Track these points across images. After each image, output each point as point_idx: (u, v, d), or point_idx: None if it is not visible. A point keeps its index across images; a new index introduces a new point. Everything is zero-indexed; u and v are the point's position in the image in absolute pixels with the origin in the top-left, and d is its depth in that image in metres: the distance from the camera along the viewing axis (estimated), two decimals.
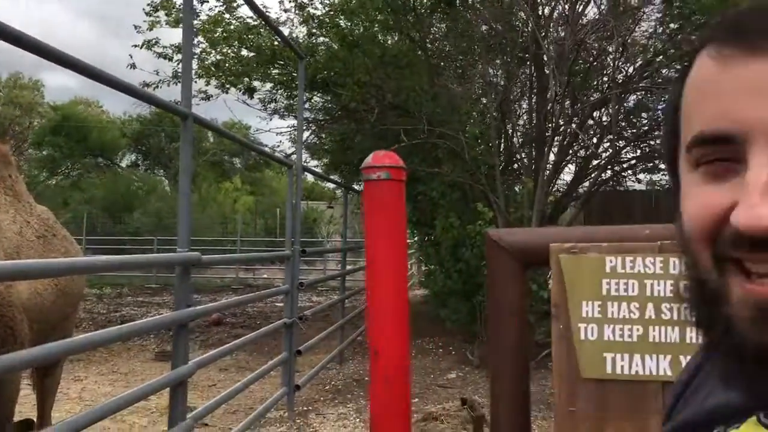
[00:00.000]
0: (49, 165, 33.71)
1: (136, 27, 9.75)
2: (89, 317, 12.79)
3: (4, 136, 29.72)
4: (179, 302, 3.72)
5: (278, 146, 12.87)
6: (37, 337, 3.11)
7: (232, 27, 9.35)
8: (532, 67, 7.87)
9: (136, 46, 9.73)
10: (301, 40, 9.42)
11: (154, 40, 9.65)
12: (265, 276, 23.11)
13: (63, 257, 3.55)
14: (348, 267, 10.36)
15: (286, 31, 9.25)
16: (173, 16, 9.20)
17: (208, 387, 7.50)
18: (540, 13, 7.24)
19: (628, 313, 1.72)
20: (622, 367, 1.68)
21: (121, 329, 3.11)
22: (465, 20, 7.85)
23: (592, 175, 8.18)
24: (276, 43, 9.08)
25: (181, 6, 9.38)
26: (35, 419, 4.20)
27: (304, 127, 9.66)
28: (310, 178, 22.98)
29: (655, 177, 10.02)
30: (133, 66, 9.21)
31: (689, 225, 0.61)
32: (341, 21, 8.94)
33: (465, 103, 7.85)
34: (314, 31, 9.44)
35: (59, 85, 70.03)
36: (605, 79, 7.57)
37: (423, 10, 8.35)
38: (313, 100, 11.30)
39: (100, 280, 18.95)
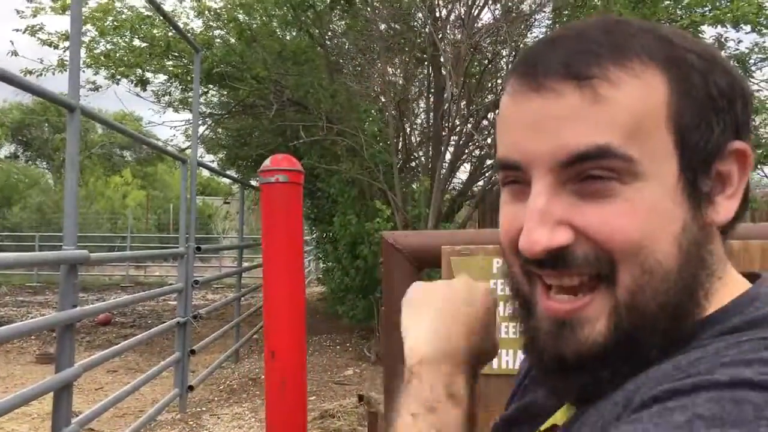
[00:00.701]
0: None
1: (18, 11, 9.20)
2: None
3: None
4: (64, 302, 3.56)
5: (172, 140, 12.51)
6: None
7: (123, 16, 8.99)
8: (430, 68, 8.01)
9: (17, 30, 9.18)
10: (197, 33, 9.18)
11: (38, 26, 9.12)
12: (157, 273, 22.39)
13: None
14: (245, 264, 10.21)
15: (181, 22, 8.99)
16: (59, 2, 8.73)
17: (94, 390, 7.20)
18: (437, 15, 7.38)
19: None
20: (507, 362, 1.75)
21: (6, 329, 2.95)
22: (364, 18, 7.89)
23: (486, 174, 8.42)
24: (171, 34, 8.81)
25: None
26: None
27: (200, 122, 9.43)
28: (205, 173, 22.44)
29: None
30: (14, 53, 8.67)
31: (502, 237, 0.67)
32: (239, 14, 8.77)
33: (364, 101, 7.90)
34: (211, 24, 9.23)
35: None
36: (499, 81, 7.80)
37: (322, 7, 8.33)
38: (209, 94, 11.05)
39: None
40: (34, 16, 9.02)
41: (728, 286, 0.63)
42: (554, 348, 0.63)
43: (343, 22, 8.97)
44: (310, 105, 8.38)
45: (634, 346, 0.60)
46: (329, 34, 8.97)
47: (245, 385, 7.23)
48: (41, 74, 9.28)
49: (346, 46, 9.04)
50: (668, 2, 7.78)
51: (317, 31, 8.59)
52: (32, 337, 9.95)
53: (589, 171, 0.59)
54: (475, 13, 7.28)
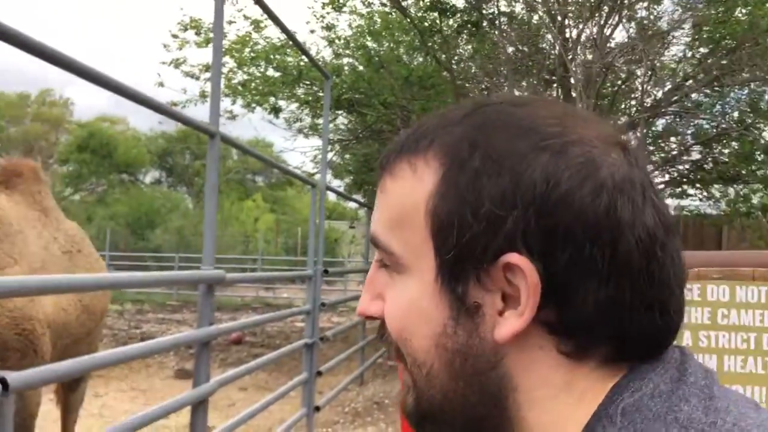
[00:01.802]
0: (75, 180, 34.15)
1: (165, 45, 9.88)
2: (110, 333, 12.82)
3: (30, 152, 30.15)
4: (202, 320, 3.69)
5: (302, 165, 12.92)
6: (62, 353, 3.09)
7: (259, 47, 9.43)
8: (559, 90, 7.83)
9: (164, 63, 9.86)
10: (327, 61, 9.47)
11: (182, 59, 9.77)
12: (285, 295, 23.08)
13: (87, 273, 3.54)
14: None
15: (312, 51, 9.31)
16: (203, 36, 9.30)
17: (227, 406, 7.45)
18: (567, 35, 7.21)
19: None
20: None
21: (147, 345, 3.09)
22: (491, 42, 7.84)
23: None
24: (302, 63, 9.14)
25: (210, 26, 9.50)
26: None
27: (328, 147, 9.68)
28: (332, 197, 23.02)
29: (684, 202, 9.90)
30: (161, 84, 9.31)
31: None
32: (367, 42, 8.98)
33: None
34: (340, 51, 9.49)
35: (87, 102, 71.27)
36: (633, 102, 7.50)
37: (449, 32, 8.36)
38: (337, 121, 11.34)
39: (121, 296, 19.03)
40: (180, 49, 9.66)
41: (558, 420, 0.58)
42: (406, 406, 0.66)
43: (469, 47, 8.95)
44: None
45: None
46: (455, 58, 8.98)
47: (370, 409, 7.24)
48: (184, 105, 9.88)
49: (473, 70, 9.01)
50: None
51: (444, 55, 8.62)
52: (171, 353, 10.48)
53: None
54: (608, 33, 7.05)
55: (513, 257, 0.55)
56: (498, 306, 0.57)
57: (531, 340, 0.57)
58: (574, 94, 6.91)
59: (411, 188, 0.60)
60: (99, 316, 3.78)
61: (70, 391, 4.09)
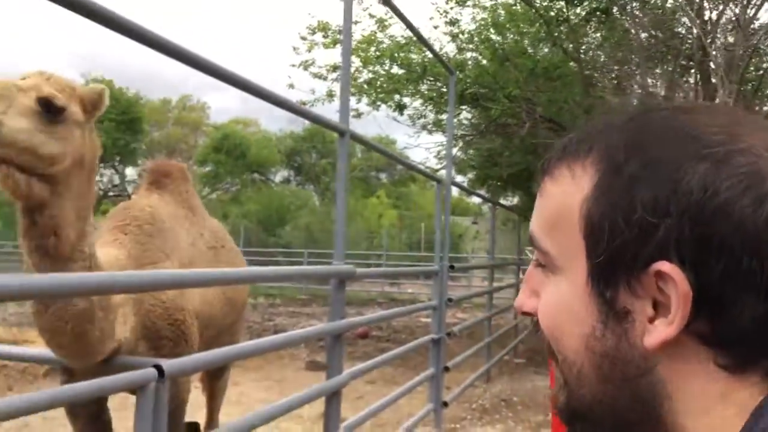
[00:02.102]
0: (212, 180, 36.07)
1: (294, 48, 10.26)
2: (245, 325, 13.46)
3: (172, 154, 32.12)
4: (334, 314, 3.80)
5: (425, 161, 12.98)
6: (207, 343, 3.28)
7: (384, 46, 9.57)
8: (698, 76, 7.40)
9: (293, 65, 10.24)
10: (450, 56, 9.46)
11: (310, 61, 10.09)
12: (410, 291, 23.30)
13: (230, 267, 3.75)
14: (494, 284, 10.21)
15: (435, 47, 9.34)
16: (330, 37, 9.56)
17: (356, 399, 7.62)
18: (706, 17, 6.80)
19: None
20: None
21: (285, 337, 3.23)
22: (622, 29, 7.53)
23: None
24: (426, 59, 9.18)
25: (337, 28, 9.76)
26: (201, 421, 4.44)
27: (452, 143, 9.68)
28: (454, 193, 22.96)
29: None
30: (291, 86, 9.67)
31: None
32: (491, 35, 8.88)
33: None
34: (463, 46, 9.45)
35: (221, 106, 75.21)
36: None
37: (577, 20, 8.11)
38: (460, 116, 11.31)
39: (254, 290, 19.91)
40: (309, 51, 9.99)
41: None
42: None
43: (598, 34, 8.65)
44: (564, 121, 8.18)
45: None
46: (583, 47, 8.70)
47: (497, 406, 7.18)
48: (312, 105, 10.18)
49: (602, 59, 8.71)
50: None
51: (571, 45, 8.38)
52: (302, 345, 10.85)
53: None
54: (752, 13, 6.59)
55: (664, 266, 0.55)
56: (648, 313, 0.57)
57: (685, 350, 0.57)
58: (714, 80, 6.52)
59: (568, 192, 0.62)
60: (240, 309, 3.98)
61: (215, 379, 4.34)
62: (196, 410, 5.15)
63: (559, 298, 0.63)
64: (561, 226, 0.62)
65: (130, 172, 38.31)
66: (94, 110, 2.20)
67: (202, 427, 4.29)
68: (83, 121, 2.15)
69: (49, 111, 1.98)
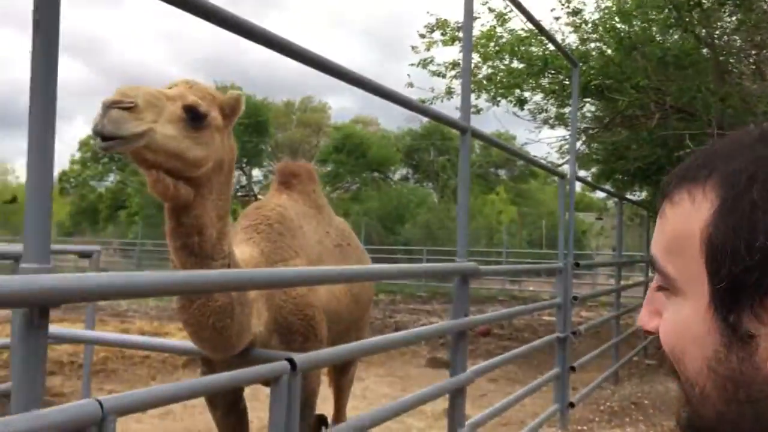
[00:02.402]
0: (333, 180, 36.94)
1: (413, 47, 10.32)
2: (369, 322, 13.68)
3: (296, 155, 33.19)
4: (458, 311, 3.80)
5: (546, 156, 12.68)
6: (334, 338, 3.38)
7: (503, 40, 9.44)
8: None
9: (412, 65, 10.30)
10: (573, 48, 9.19)
11: (429, 59, 10.12)
12: (531, 288, 22.90)
13: (356, 265, 3.83)
14: (621, 282, 9.85)
15: (557, 39, 9.12)
16: (448, 35, 9.55)
17: (478, 396, 7.58)
18: None
19: None
20: None
21: (410, 333, 3.28)
22: (761, 11, 7.03)
23: None
24: (548, 52, 8.97)
25: (456, 25, 9.73)
26: (327, 414, 4.57)
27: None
28: (576, 188, 22.36)
29: None
30: (410, 85, 9.74)
31: None
32: (617, 23, 8.54)
33: (762, 101, 7.03)
34: (587, 36, 9.15)
35: (340, 107, 77.07)
36: None
37: (710, 4, 7.65)
38: (583, 109, 10.97)
39: (376, 287, 20.14)
40: (428, 49, 10.01)
41: None
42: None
43: (734, 18, 8.12)
44: (696, 111, 7.75)
45: None
46: (717, 32, 8.20)
47: (627, 409, 6.92)
48: (431, 102, 10.20)
49: (738, 44, 8.17)
50: None
51: (704, 30, 7.91)
52: (423, 342, 10.92)
53: None
54: None
55: None
56: None
57: None
58: None
59: (688, 216, 0.62)
60: (366, 305, 4.06)
61: (342, 374, 4.45)
62: (322, 403, 5.32)
63: (680, 320, 0.63)
64: (682, 251, 0.63)
65: (256, 173, 40.00)
66: (232, 116, 2.32)
67: (329, 420, 4.41)
68: (222, 126, 2.28)
69: (194, 118, 2.10)
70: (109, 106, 1.91)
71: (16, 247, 4.21)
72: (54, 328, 2.65)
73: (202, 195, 2.18)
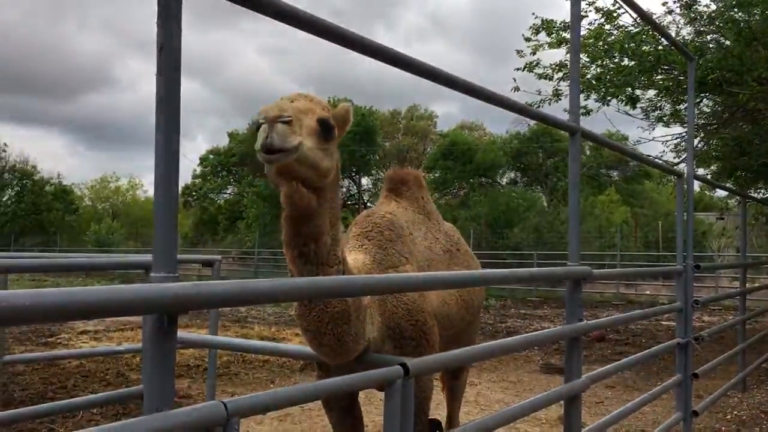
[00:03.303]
0: (440, 186, 36.96)
1: (518, 51, 10.23)
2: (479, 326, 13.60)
3: (403, 163, 33.47)
4: (571, 316, 3.73)
5: (661, 155, 12.20)
6: (445, 343, 3.41)
7: (612, 38, 9.19)
8: None
9: (518, 69, 10.21)
10: (687, 41, 8.81)
11: (535, 62, 9.99)
12: (648, 292, 22.00)
13: (466, 270, 3.85)
14: (747, 285, 9.31)
15: (670, 33, 8.77)
16: (554, 36, 9.40)
17: (594, 404, 7.39)
18: None
19: None
20: None
21: (524, 338, 3.26)
22: None
23: None
24: (660, 47, 8.65)
25: (562, 25, 9.57)
26: (441, 419, 4.60)
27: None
28: (695, 187, 21.34)
29: None
30: (516, 89, 9.65)
31: None
32: (735, 14, 8.11)
33: None
34: (702, 29, 8.75)
35: (444, 113, 77.14)
36: None
37: None
38: (700, 104, 10.48)
39: (486, 292, 19.99)
40: (534, 53, 9.89)
41: None
42: None
43: None
44: None
45: None
46: None
47: (756, 418, 6.54)
48: (539, 105, 10.06)
49: None
50: None
51: None
52: (535, 348, 10.74)
53: None
54: None
55: None
56: None
57: None
58: None
59: None
60: (476, 310, 4.06)
61: (454, 379, 4.48)
62: (435, 408, 5.35)
63: None
64: None
65: (365, 181, 40.62)
66: (343, 127, 2.41)
67: (443, 425, 4.44)
68: (337, 137, 2.37)
69: (325, 130, 2.20)
70: (274, 121, 2.02)
71: (144, 258, 4.52)
72: (182, 333, 2.82)
73: (321, 204, 2.27)
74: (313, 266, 2.30)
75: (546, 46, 9.77)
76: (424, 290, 3.10)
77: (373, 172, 40.06)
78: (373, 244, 3.20)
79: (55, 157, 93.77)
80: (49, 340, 11.18)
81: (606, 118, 10.10)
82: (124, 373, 8.31)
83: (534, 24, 9.85)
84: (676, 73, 9.07)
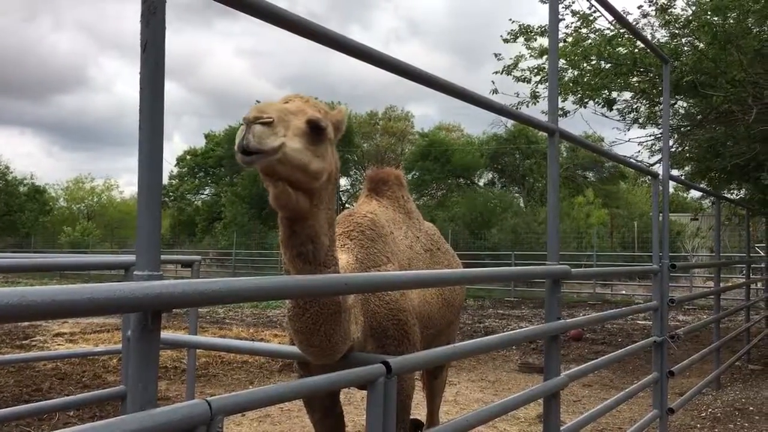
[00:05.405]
0: (418, 187, 37.05)
1: (496, 55, 10.32)
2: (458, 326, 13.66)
3: (381, 163, 33.49)
4: (550, 314, 3.76)
5: (636, 156, 12.34)
6: (426, 342, 3.43)
7: (589, 42, 9.29)
8: None
9: (496, 72, 10.28)
10: (662, 44, 8.93)
11: (513, 65, 10.06)
12: (623, 292, 22.26)
13: (446, 269, 3.87)
14: (721, 284, 9.46)
15: (646, 36, 8.88)
16: (534, 42, 9.52)
17: (572, 402, 7.46)
18: None
19: None
20: None
21: (503, 337, 3.28)
22: None
23: None
24: (636, 50, 8.75)
25: (539, 30, 9.65)
26: (421, 419, 4.62)
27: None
28: (669, 188, 21.62)
29: None
30: (495, 91, 9.71)
31: None
32: (709, 17, 8.22)
33: None
34: (677, 32, 8.87)
35: (421, 114, 77.29)
36: None
37: None
38: (675, 106, 10.62)
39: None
40: (515, 66, 10.03)
41: None
42: None
43: None
44: None
45: None
46: None
47: (731, 415, 6.65)
48: (517, 107, 10.14)
49: None
50: None
51: None
52: (513, 347, 10.82)
53: None
54: None
55: None
56: None
57: None
58: None
59: None
60: (457, 309, 4.09)
61: (434, 378, 4.50)
62: (414, 408, 5.37)
63: None
64: None
65: (344, 182, 40.58)
66: (339, 129, 2.42)
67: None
68: (332, 139, 2.38)
69: (315, 131, 2.20)
70: (252, 122, 2.01)
71: (125, 258, 4.48)
72: (164, 334, 2.81)
73: (315, 205, 2.27)
74: (311, 266, 2.30)
75: (527, 57, 9.92)
76: (405, 289, 3.12)
77: (351, 173, 40.05)
78: (355, 244, 3.21)
79: (30, 157, 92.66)
80: (24, 342, 11.04)
81: (583, 120, 10.18)
82: (100, 375, 8.23)
83: (512, 30, 9.93)
84: (651, 75, 9.18)
